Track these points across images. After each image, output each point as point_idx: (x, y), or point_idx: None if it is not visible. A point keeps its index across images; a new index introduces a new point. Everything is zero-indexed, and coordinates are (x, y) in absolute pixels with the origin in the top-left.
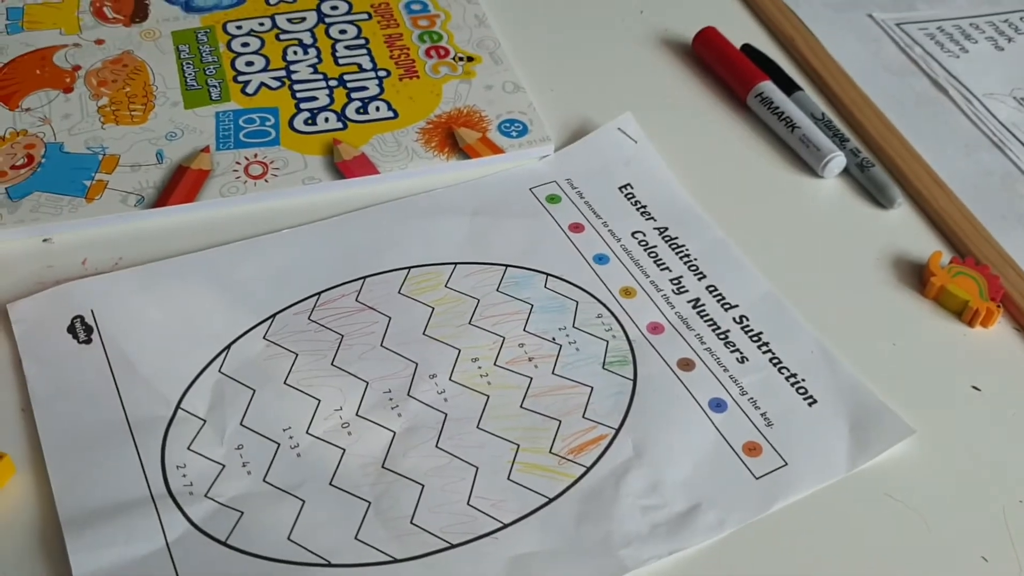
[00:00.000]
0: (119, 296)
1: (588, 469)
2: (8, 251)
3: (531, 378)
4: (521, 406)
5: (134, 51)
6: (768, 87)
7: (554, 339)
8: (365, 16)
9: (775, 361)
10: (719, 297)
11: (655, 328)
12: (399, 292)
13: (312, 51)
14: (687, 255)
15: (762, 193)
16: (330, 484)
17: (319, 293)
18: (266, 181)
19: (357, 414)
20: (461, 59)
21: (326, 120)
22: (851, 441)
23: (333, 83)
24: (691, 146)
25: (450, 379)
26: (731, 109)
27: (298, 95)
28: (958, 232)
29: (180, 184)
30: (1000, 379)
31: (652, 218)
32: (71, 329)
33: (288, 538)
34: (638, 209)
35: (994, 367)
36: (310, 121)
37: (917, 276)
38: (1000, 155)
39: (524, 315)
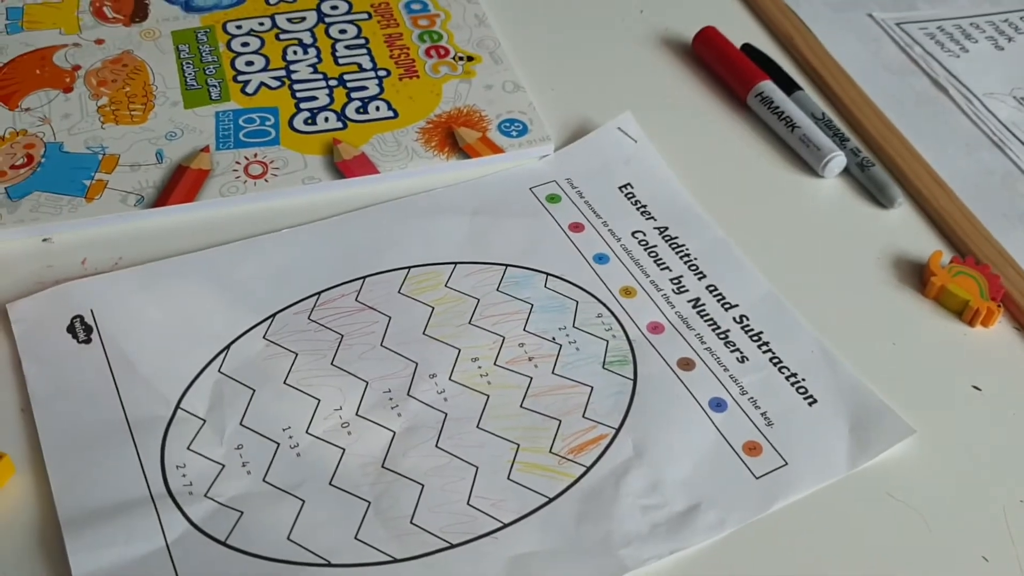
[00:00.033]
0: (119, 296)
1: (588, 469)
2: (8, 251)
3: (531, 378)
4: (521, 406)
5: (134, 51)
6: (768, 87)
7: (554, 339)
8: (365, 16)
9: (775, 361)
10: (719, 297)
11: (655, 328)
12: (399, 292)
13: (312, 51)
14: (687, 255)
15: (762, 193)
16: (330, 484)
17: (319, 293)
18: (266, 181)
19: (357, 414)
20: (461, 59)
21: (326, 120)
22: (851, 441)
23: (333, 83)
24: (691, 146)
25: (450, 379)
26: (731, 109)
27: (298, 95)
28: (958, 232)
29: (180, 184)
30: (1000, 379)
31: (652, 218)
32: (71, 329)
33: (288, 538)
34: (638, 209)
35: (994, 367)
36: (310, 121)
37: (917, 276)
38: (1000, 154)
39: (524, 315)
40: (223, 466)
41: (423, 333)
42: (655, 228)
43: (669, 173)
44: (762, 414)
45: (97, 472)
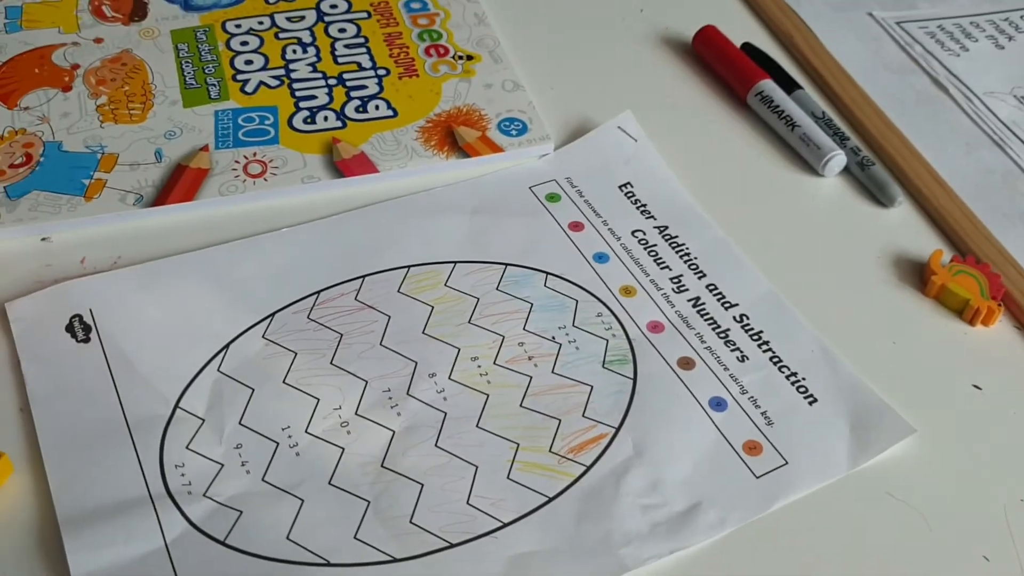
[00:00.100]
0: (118, 295)
1: (588, 468)
2: (7, 250)
3: (531, 377)
4: (521, 405)
5: (133, 50)
6: (768, 86)
7: (554, 338)
8: (364, 15)
9: (775, 360)
10: (719, 296)
11: (655, 327)
12: (398, 291)
13: (311, 50)
14: (687, 254)
15: (762, 192)
16: (329, 483)
17: (318, 292)
18: (265, 180)
19: (356, 413)
20: (461, 58)
21: (325, 119)
22: (852, 440)
23: (332, 82)
24: (691, 145)
25: (449, 378)
26: (731, 108)
27: (297, 94)
28: (959, 231)
29: (179, 183)
30: (1001, 378)
31: (652, 217)
32: (69, 328)
33: (287, 537)
34: (638, 208)
35: (995, 366)
36: (309, 120)
37: (918, 275)
38: (1001, 153)
39: (524, 314)
40: (222, 465)
41: (423, 332)
42: (655, 227)
43: (669, 172)
44: (762, 413)
45: (96, 471)
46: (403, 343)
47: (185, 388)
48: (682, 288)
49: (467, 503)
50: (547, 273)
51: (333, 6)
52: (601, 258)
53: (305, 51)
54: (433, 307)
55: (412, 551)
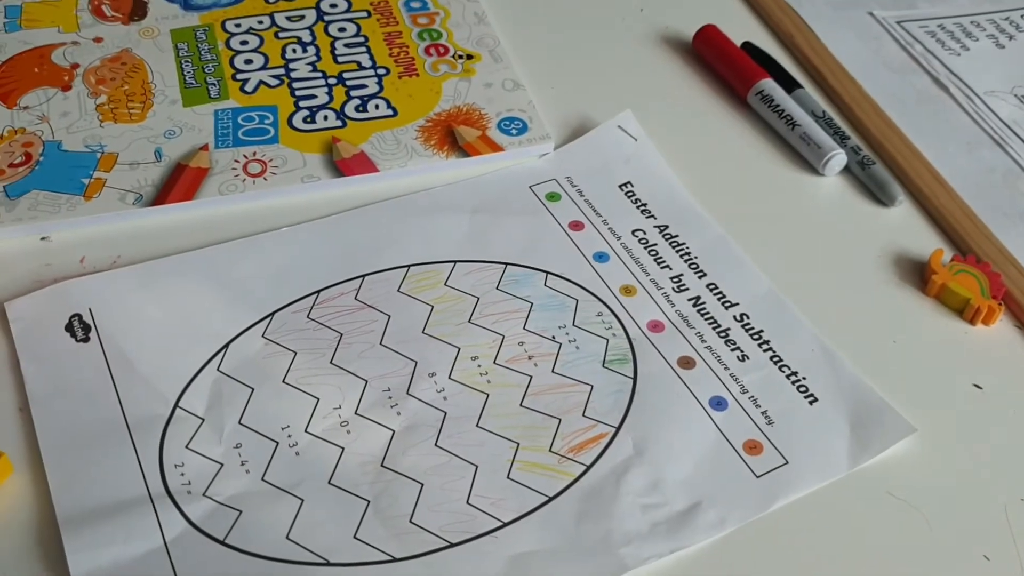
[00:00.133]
0: (117, 294)
1: (588, 468)
2: (6, 249)
3: (531, 376)
4: (521, 404)
5: (132, 49)
6: (768, 85)
7: (554, 337)
8: (364, 14)
9: (776, 359)
10: (719, 295)
11: (655, 326)
12: (398, 290)
13: (311, 49)
14: (687, 253)
15: (763, 191)
16: (329, 483)
17: (318, 291)
18: (265, 179)
19: (356, 413)
20: (461, 57)
21: (325, 118)
22: (852, 439)
23: (332, 81)
24: (691, 144)
25: (449, 377)
26: (731, 107)
27: (297, 93)
28: (959, 230)
29: (179, 182)
30: (1001, 377)
31: (652, 216)
32: (69, 327)
33: (287, 537)
34: (638, 207)
35: (995, 365)
36: (309, 119)
37: (918, 274)
38: (1001, 153)
39: (524, 313)
40: (222, 465)
41: (422, 332)
42: (655, 226)
43: (669, 171)
44: (762, 413)
45: (95, 471)
46: (403, 342)
47: (185, 387)
48: (682, 287)
49: (467, 503)
50: (547, 272)
51: (333, 5)
52: (601, 257)
53: (305, 50)
54: (433, 306)
55: (412, 551)
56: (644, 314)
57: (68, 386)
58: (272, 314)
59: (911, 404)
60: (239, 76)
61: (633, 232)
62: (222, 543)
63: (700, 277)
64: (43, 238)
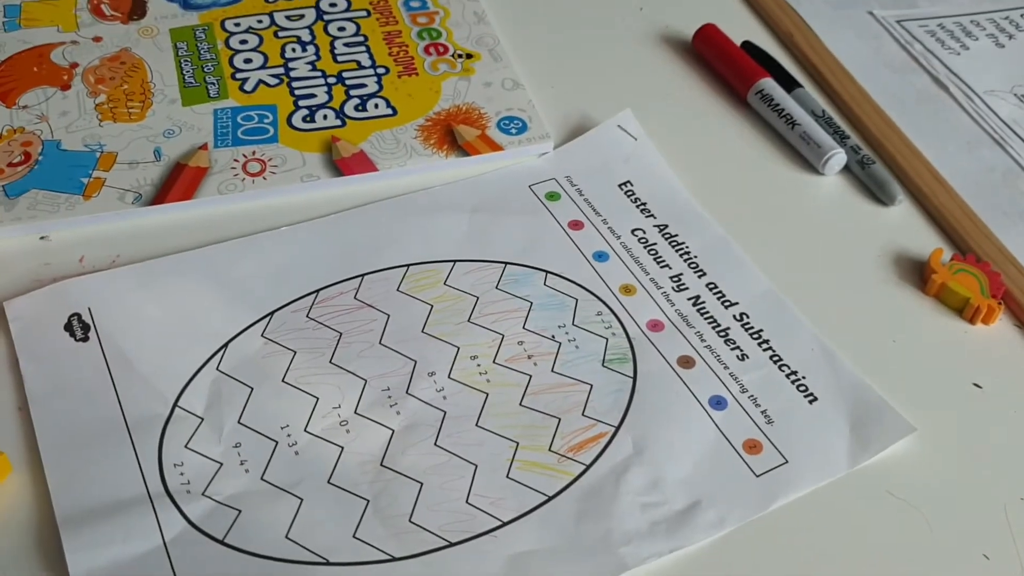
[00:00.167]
0: (116, 294)
1: (588, 467)
2: (5, 248)
3: (530, 376)
4: (520, 404)
5: (132, 48)
6: (768, 84)
7: (553, 337)
8: (364, 13)
9: (775, 359)
10: (719, 294)
11: (655, 325)
12: (398, 290)
13: (311, 48)
14: (687, 252)
15: (762, 190)
16: (328, 482)
17: (317, 291)
18: (264, 179)
19: (355, 412)
20: (460, 56)
21: (324, 117)
22: (852, 439)
23: (332, 80)
24: (691, 143)
25: (449, 377)
26: (731, 106)
27: (296, 92)
28: (959, 229)
29: (178, 181)
30: (1001, 376)
31: (652, 215)
32: (68, 327)
33: (286, 536)
34: (638, 206)
35: (995, 364)
36: (308, 118)
37: (918, 273)
38: (1001, 152)
39: (523, 313)
40: (221, 464)
41: (422, 331)
42: (655, 226)
43: (669, 171)
44: (762, 412)
45: (94, 470)
46: (402, 342)
47: (184, 387)
48: (682, 287)
49: (466, 502)
50: (547, 272)
51: (332, 4)
52: (601, 257)
53: (304, 49)
54: (432, 306)
55: (411, 550)
56: (644, 313)
57: (67, 385)
58: (271, 313)
59: (911, 403)
60: (238, 75)
61: (633, 231)
62: (221, 542)
63: (700, 276)
64: (42, 237)
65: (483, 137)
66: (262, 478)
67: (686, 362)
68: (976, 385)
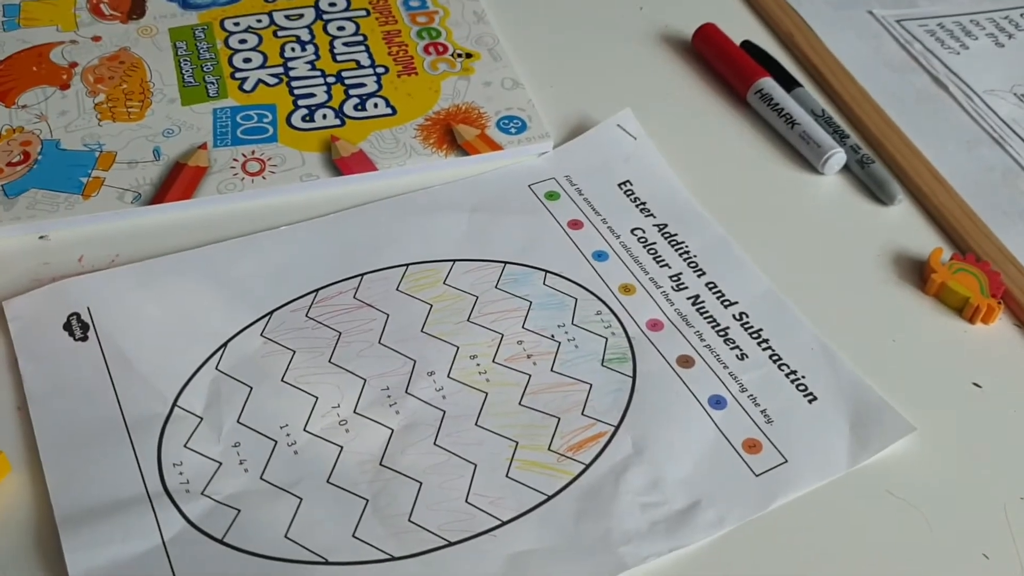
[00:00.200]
0: (115, 293)
1: (587, 466)
2: (4, 248)
3: (530, 375)
4: (520, 403)
5: (131, 48)
6: (768, 83)
7: (553, 336)
8: (363, 12)
9: (775, 358)
10: (719, 294)
11: (654, 325)
12: (397, 289)
13: (310, 48)
14: (687, 252)
15: (762, 190)
16: (327, 482)
17: (317, 290)
18: (263, 178)
19: (355, 411)
20: (460, 56)
21: (324, 117)
22: (851, 438)
23: (331, 80)
24: (691, 143)
25: (448, 376)
26: (731, 106)
27: (296, 92)
28: (959, 228)
29: (177, 181)
30: (1001, 376)
31: (651, 215)
32: (67, 326)
33: (285, 536)
34: (637, 206)
35: (995, 364)
36: (308, 118)
37: (918, 273)
38: (1001, 151)
39: (523, 312)
40: (220, 464)
41: (421, 330)
42: (654, 225)
43: (668, 170)
44: (762, 411)
45: (94, 470)
46: (402, 341)
47: (183, 386)
48: (681, 286)
49: (466, 501)
50: (546, 271)
51: (332, 4)
52: (600, 256)
53: (304, 49)
54: (432, 305)
55: (411, 549)
56: (643, 313)
57: (66, 385)
58: (271, 313)
59: (910, 403)
60: (238, 75)
61: (632, 231)
62: (220, 542)
63: (699, 276)
64: (41, 237)
65: (482, 136)
66: (261, 477)
67: (685, 361)
68: (976, 384)
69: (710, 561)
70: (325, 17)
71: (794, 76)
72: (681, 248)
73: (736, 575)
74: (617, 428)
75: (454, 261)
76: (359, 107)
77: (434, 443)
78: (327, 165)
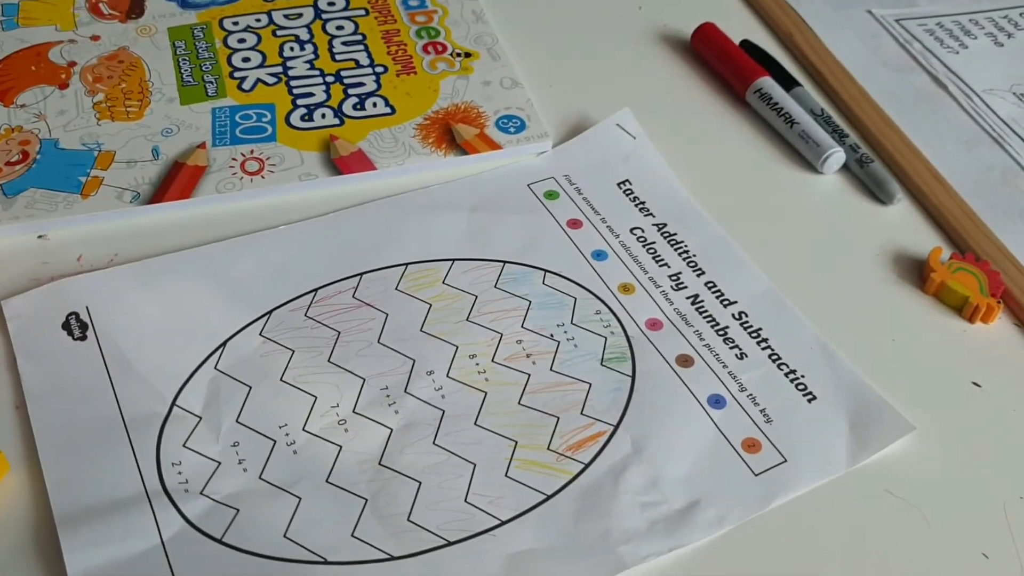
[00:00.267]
0: (114, 292)
1: (586, 466)
2: (3, 247)
3: (529, 374)
4: (519, 403)
5: (130, 47)
6: (767, 83)
7: (552, 335)
8: (362, 12)
9: (774, 357)
10: (718, 293)
11: (654, 324)
12: (396, 288)
13: (309, 47)
14: (686, 251)
15: (761, 189)
16: (326, 481)
17: (316, 290)
18: (262, 177)
19: (354, 411)
20: (459, 55)
21: (323, 116)
22: (851, 438)
23: (330, 79)
24: (690, 142)
25: (448, 376)
26: (730, 105)
27: (295, 91)
28: (958, 228)
29: (176, 180)
30: (1000, 375)
31: (651, 214)
32: (66, 326)
33: (284, 535)
34: (636, 205)
35: (994, 363)
36: (307, 117)
37: (917, 272)
38: (1000, 151)
39: (522, 311)
40: (219, 463)
41: (420, 330)
42: (654, 225)
43: (668, 170)
44: (761, 411)
45: (92, 469)
46: (401, 341)
47: (182, 386)
48: (681, 286)
49: (465, 501)
50: (545, 271)
51: (331, 3)
52: (600, 255)
53: (303, 48)
54: (431, 305)
55: (410, 549)
56: (642, 312)
57: (65, 384)
58: (270, 312)
59: (910, 402)
60: (237, 74)
61: (631, 230)
62: (219, 542)
63: (698, 275)
64: (40, 236)
65: (482, 136)
66: (260, 477)
67: (685, 361)
68: (975, 384)
69: (709, 561)
70: (324, 16)
71: (793, 75)
72: (680, 247)
73: (736, 574)
74: (616, 427)
75: (453, 260)
76: (358, 106)
77: (433, 443)
78: (326, 164)
